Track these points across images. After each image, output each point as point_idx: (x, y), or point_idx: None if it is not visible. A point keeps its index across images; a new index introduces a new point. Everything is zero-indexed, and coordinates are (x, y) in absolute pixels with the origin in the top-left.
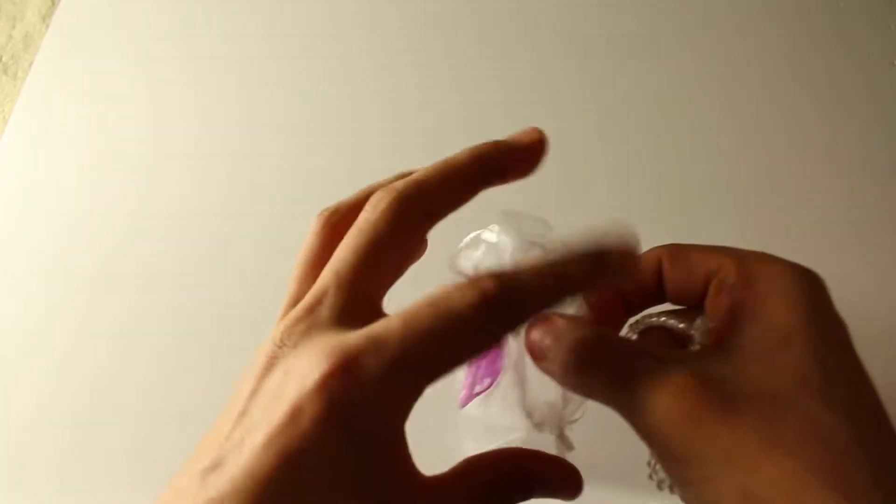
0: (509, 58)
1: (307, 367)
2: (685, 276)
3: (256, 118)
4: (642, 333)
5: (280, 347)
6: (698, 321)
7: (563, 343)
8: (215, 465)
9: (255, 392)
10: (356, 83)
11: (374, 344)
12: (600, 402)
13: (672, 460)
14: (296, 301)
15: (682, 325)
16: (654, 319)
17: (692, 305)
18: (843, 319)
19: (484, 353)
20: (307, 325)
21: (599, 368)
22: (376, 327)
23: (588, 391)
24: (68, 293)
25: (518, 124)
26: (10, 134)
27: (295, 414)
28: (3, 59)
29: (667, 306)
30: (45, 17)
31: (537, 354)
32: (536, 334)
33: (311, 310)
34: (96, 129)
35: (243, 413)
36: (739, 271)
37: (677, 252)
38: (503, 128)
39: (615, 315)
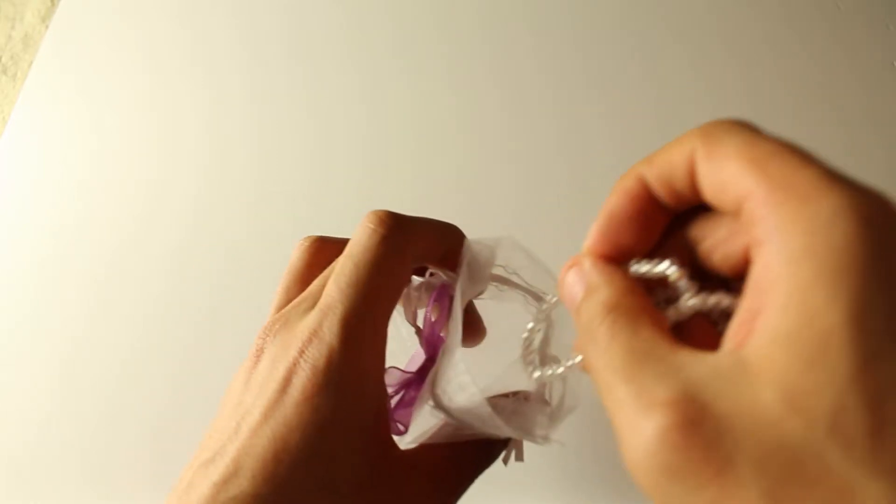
0: (513, 56)
1: (286, 348)
2: (715, 189)
3: (257, 118)
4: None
5: (263, 339)
6: (712, 299)
7: (591, 297)
8: (215, 455)
9: (246, 382)
10: (355, 84)
11: (327, 311)
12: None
13: None
14: (280, 309)
15: (693, 302)
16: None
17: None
18: None
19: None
20: (285, 319)
21: (610, 353)
22: (322, 299)
23: (594, 374)
24: (69, 294)
25: (522, 122)
26: (9, 135)
27: (284, 387)
28: (3, 59)
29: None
30: (45, 19)
31: (568, 299)
32: (571, 276)
33: (291, 311)
34: (95, 130)
35: (239, 403)
36: (769, 208)
37: (711, 151)
38: (503, 129)
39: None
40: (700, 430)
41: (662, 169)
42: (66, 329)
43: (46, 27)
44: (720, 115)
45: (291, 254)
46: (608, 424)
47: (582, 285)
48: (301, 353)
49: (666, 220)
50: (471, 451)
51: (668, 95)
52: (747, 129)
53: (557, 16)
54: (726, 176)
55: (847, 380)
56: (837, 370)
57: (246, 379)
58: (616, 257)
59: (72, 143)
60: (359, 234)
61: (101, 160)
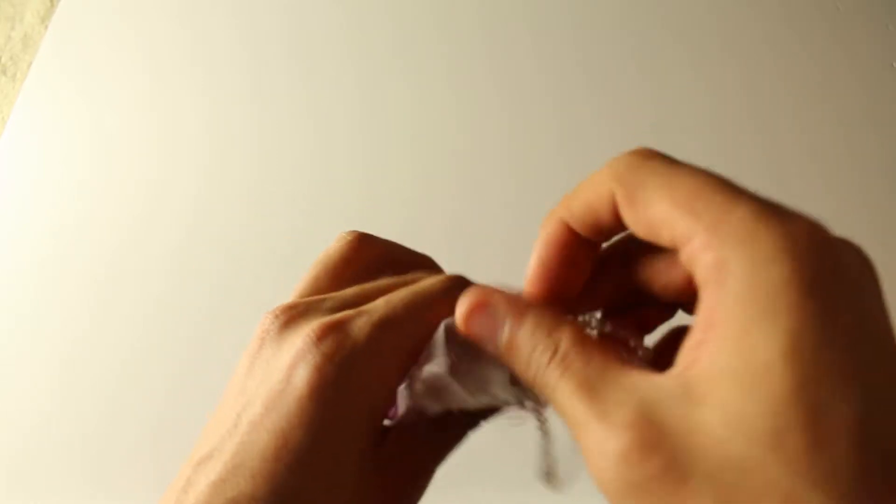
0: (513, 56)
1: (299, 334)
2: (646, 230)
3: (258, 118)
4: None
5: (273, 320)
6: (632, 342)
7: (529, 334)
8: (213, 450)
9: (250, 367)
10: (355, 84)
11: (363, 312)
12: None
13: None
14: (303, 297)
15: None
16: (593, 320)
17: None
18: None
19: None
20: (306, 306)
21: (569, 373)
22: (362, 307)
23: (552, 399)
24: (69, 294)
25: (522, 122)
26: (9, 135)
27: (289, 376)
28: (2, 60)
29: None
30: (44, 19)
31: (485, 334)
32: (483, 309)
33: (316, 303)
34: (95, 130)
35: (241, 391)
36: (710, 252)
37: (631, 195)
38: (503, 129)
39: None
40: (658, 448)
41: (583, 213)
42: (66, 329)
43: (46, 27)
44: (719, 114)
45: (331, 245)
46: None
47: (497, 323)
48: (316, 341)
49: (593, 252)
50: (439, 434)
51: (668, 95)
52: (659, 162)
53: (557, 16)
54: (655, 219)
55: (784, 404)
56: (774, 397)
57: (250, 363)
58: (554, 300)
59: (72, 143)
60: (426, 281)
61: (101, 160)
